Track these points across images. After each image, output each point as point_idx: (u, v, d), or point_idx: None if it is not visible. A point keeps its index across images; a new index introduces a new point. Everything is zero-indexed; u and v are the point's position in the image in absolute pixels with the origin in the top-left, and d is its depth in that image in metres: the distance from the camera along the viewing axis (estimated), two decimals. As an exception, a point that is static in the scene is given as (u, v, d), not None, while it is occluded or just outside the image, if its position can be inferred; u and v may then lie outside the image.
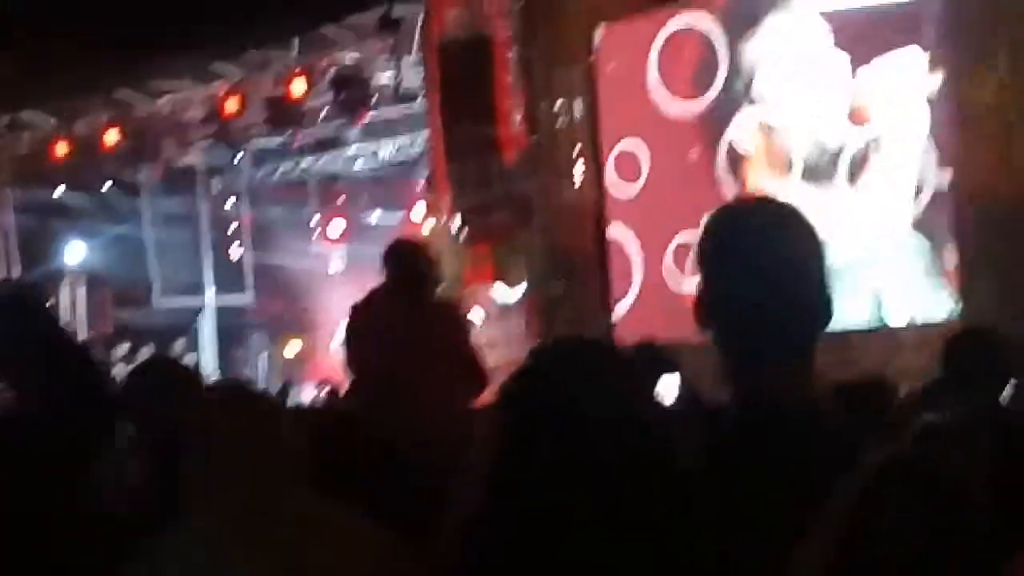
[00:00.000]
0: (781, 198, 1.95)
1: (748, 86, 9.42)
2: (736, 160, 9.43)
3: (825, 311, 1.83)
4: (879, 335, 8.43)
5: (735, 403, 1.83)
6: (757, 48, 9.38)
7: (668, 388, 5.61)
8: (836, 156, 8.83)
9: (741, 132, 9.40)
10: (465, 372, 5.57)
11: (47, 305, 4.07)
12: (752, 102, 9.40)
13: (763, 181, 9.26)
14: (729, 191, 9.37)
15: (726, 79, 9.51)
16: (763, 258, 1.80)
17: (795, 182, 9.07)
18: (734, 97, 9.50)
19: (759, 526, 1.66)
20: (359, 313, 5.86)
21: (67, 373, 3.42)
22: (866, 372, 5.85)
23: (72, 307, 16.56)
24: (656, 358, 6.46)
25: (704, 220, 1.91)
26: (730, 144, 9.46)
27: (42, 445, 3.06)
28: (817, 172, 8.96)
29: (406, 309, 5.60)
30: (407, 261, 5.82)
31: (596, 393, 1.78)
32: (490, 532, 1.76)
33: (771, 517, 1.64)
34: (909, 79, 8.43)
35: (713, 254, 1.87)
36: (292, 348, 17.08)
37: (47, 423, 3.15)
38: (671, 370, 6.09)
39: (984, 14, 8.16)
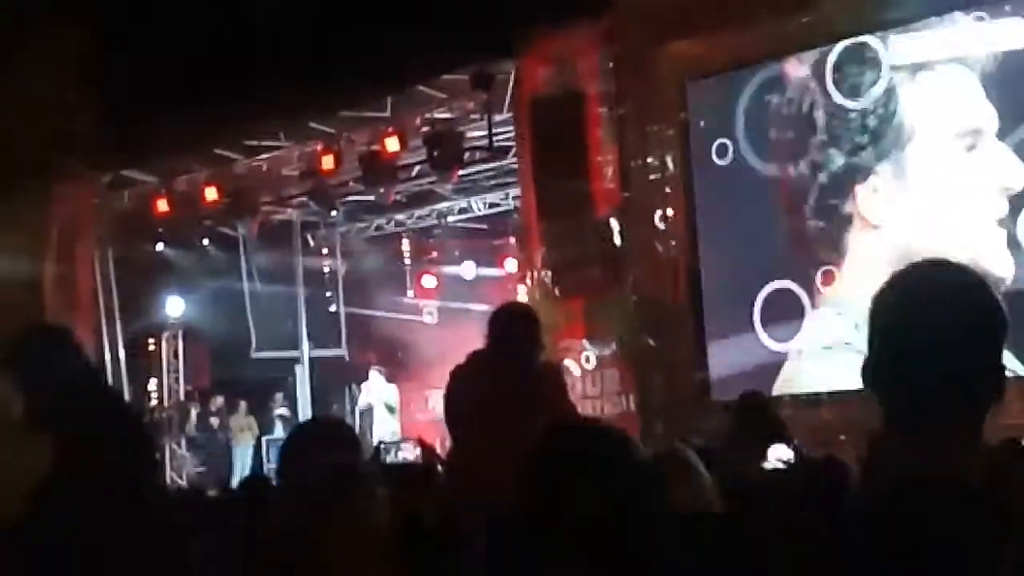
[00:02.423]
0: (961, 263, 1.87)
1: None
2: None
3: (994, 384, 1.77)
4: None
5: (890, 476, 1.76)
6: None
7: (776, 454, 5.49)
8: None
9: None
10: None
11: (82, 347, 4.10)
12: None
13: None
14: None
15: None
16: (933, 321, 1.74)
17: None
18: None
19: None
20: (458, 378, 5.84)
21: (112, 415, 3.47)
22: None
23: (172, 360, 16.87)
24: (762, 417, 6.31)
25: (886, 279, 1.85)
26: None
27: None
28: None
29: (506, 373, 5.57)
30: (510, 326, 5.79)
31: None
32: None
33: None
34: None
35: (884, 313, 1.81)
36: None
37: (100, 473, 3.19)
38: (781, 432, 5.95)
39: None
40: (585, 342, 10.70)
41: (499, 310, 6.10)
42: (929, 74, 9.23)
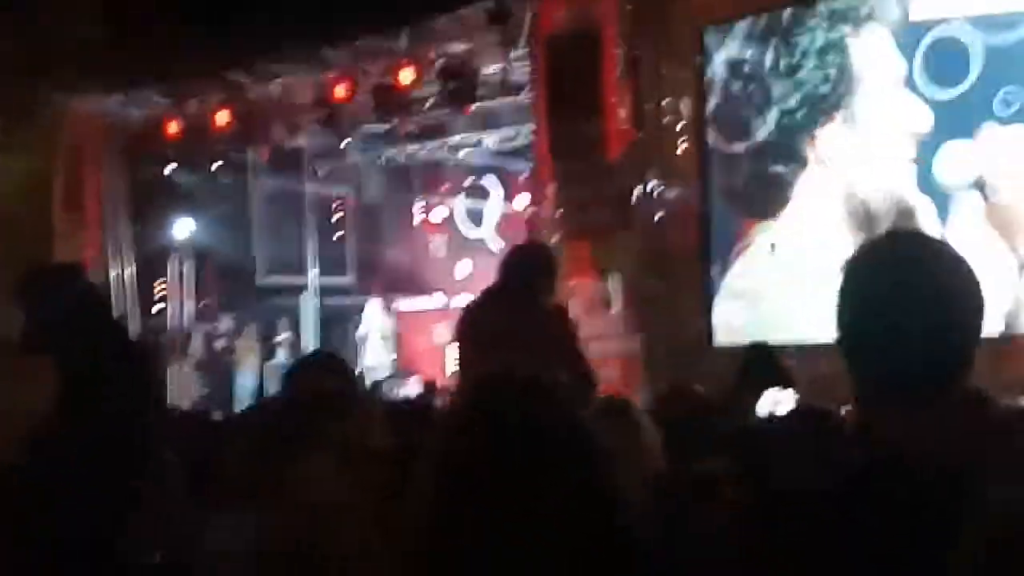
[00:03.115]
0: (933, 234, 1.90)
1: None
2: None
3: (969, 349, 1.78)
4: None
5: (867, 441, 1.79)
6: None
7: (778, 400, 5.51)
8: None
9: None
10: (573, 378, 5.60)
11: (93, 284, 4.10)
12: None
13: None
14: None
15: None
16: (904, 288, 1.77)
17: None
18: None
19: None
20: (471, 314, 5.89)
21: (114, 350, 3.50)
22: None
23: (179, 281, 16.92)
24: (768, 363, 6.32)
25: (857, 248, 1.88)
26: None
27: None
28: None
29: (517, 312, 5.62)
30: (523, 265, 5.84)
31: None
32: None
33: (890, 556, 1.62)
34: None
35: (857, 284, 1.83)
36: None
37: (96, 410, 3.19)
38: (784, 378, 5.97)
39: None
40: (593, 282, 10.72)
41: (514, 248, 6.14)
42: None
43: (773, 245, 10.05)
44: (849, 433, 1.88)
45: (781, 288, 9.90)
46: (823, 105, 9.87)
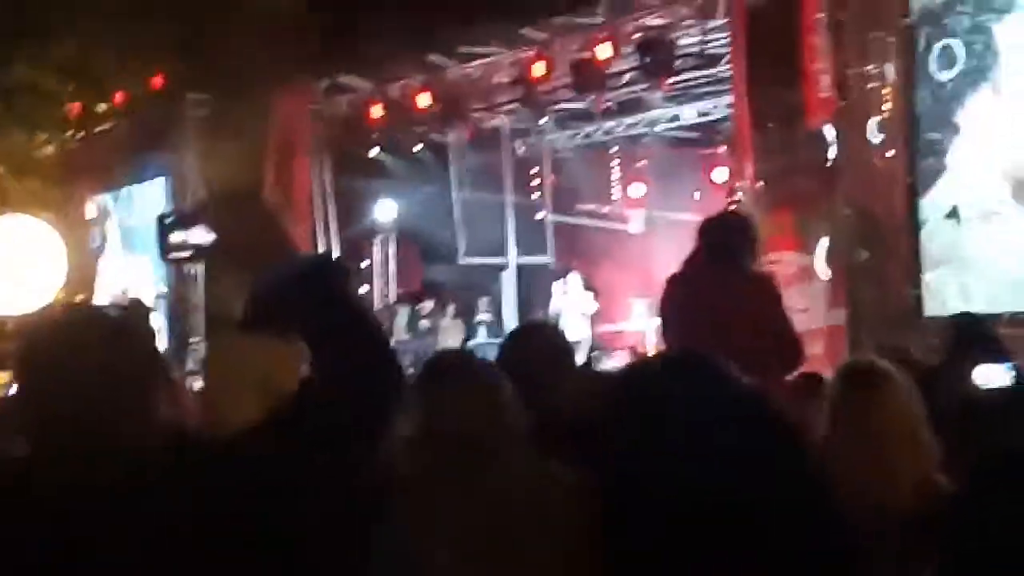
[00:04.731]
0: None
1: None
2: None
3: None
4: None
5: None
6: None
7: (992, 372, 5.34)
8: None
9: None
10: (781, 346, 5.53)
11: (348, 274, 4.02)
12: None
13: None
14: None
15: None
16: None
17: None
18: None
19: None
20: (675, 285, 5.86)
21: (365, 342, 3.51)
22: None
23: (383, 263, 17.33)
24: (980, 334, 6.13)
25: None
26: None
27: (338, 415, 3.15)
28: None
29: (723, 281, 5.57)
30: (727, 235, 5.79)
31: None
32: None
33: None
34: None
35: None
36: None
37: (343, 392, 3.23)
38: (997, 348, 5.78)
39: None
40: (797, 253, 10.56)
41: (715, 218, 6.08)
42: None
43: (955, 212, 9.77)
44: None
45: (980, 257, 9.63)
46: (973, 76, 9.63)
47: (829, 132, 10.43)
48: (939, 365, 6.12)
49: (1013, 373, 5.74)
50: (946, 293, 9.80)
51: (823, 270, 10.43)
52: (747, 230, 5.93)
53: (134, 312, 8.11)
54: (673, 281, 5.87)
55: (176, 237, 15.58)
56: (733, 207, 11.02)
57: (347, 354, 3.09)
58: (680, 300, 5.73)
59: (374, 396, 2.94)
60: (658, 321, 5.94)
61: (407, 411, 2.68)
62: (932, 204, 9.92)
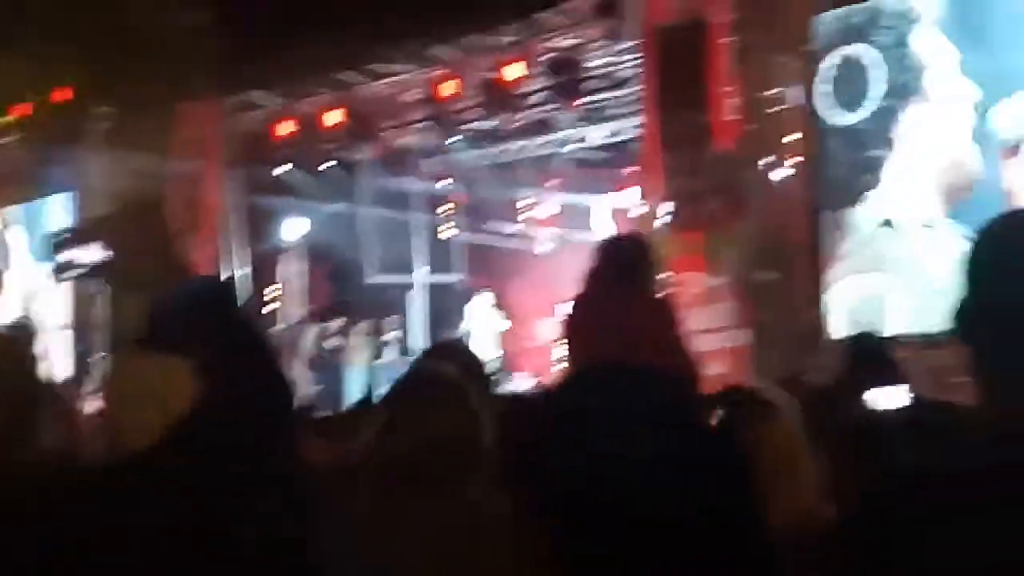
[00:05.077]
0: None
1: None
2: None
3: None
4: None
5: (993, 425, 1.69)
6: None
7: (889, 397, 5.37)
8: None
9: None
10: (678, 368, 5.54)
11: (238, 298, 3.99)
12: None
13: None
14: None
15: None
16: None
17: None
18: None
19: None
20: (576, 307, 5.85)
21: (255, 364, 3.50)
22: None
23: (292, 281, 17.15)
24: (876, 355, 6.18)
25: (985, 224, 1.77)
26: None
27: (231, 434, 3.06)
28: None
29: (622, 303, 5.58)
30: (627, 256, 5.79)
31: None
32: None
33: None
34: None
35: (986, 258, 1.72)
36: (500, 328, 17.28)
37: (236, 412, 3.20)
38: (894, 370, 5.83)
39: None
40: (703, 274, 10.63)
41: (616, 239, 6.08)
42: None
43: (888, 223, 9.96)
44: (978, 428, 1.76)
45: (912, 266, 9.81)
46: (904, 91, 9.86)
47: (737, 154, 10.53)
48: (834, 387, 6.17)
49: (908, 396, 5.80)
50: (862, 310, 9.93)
51: (727, 291, 10.52)
52: (647, 251, 5.94)
53: (15, 335, 7.91)
54: (575, 303, 5.87)
55: (65, 256, 15.23)
56: (634, 228, 11.06)
57: (241, 374, 3.14)
58: (581, 321, 5.73)
59: (266, 416, 2.97)
60: (563, 342, 5.92)
61: (371, 427, 2.59)
62: (867, 216, 10.05)
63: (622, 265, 5.72)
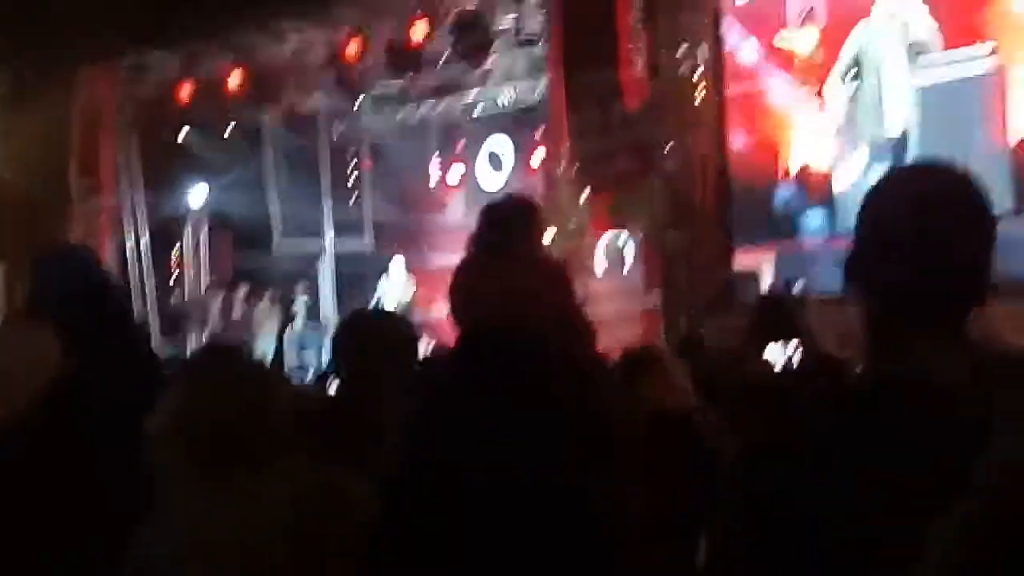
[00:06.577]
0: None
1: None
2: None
3: (980, 287, 1.75)
4: None
5: (873, 373, 1.75)
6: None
7: (792, 350, 5.41)
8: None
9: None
10: (563, 332, 5.38)
11: (100, 264, 4.13)
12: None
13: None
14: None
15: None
16: (926, 223, 1.72)
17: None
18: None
19: (886, 504, 1.57)
20: (459, 273, 5.70)
21: (115, 329, 3.46)
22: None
23: (195, 248, 16.80)
24: (780, 315, 6.19)
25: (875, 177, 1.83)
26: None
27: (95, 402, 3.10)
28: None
29: (507, 268, 5.42)
30: (511, 218, 5.63)
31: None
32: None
33: (898, 498, 1.57)
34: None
35: (876, 210, 1.80)
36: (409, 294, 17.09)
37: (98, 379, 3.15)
38: (797, 328, 5.85)
39: None
40: (611, 235, 10.53)
41: (500, 203, 5.90)
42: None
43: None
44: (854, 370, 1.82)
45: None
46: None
47: (645, 113, 10.43)
48: (737, 346, 6.19)
49: (799, 352, 5.83)
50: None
51: (636, 252, 10.44)
52: (533, 214, 5.78)
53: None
54: (458, 269, 5.70)
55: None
56: (539, 189, 10.95)
57: (108, 346, 3.24)
58: (461, 287, 5.57)
59: (133, 389, 2.97)
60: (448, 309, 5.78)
61: (162, 404, 2.47)
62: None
63: (505, 229, 5.55)
